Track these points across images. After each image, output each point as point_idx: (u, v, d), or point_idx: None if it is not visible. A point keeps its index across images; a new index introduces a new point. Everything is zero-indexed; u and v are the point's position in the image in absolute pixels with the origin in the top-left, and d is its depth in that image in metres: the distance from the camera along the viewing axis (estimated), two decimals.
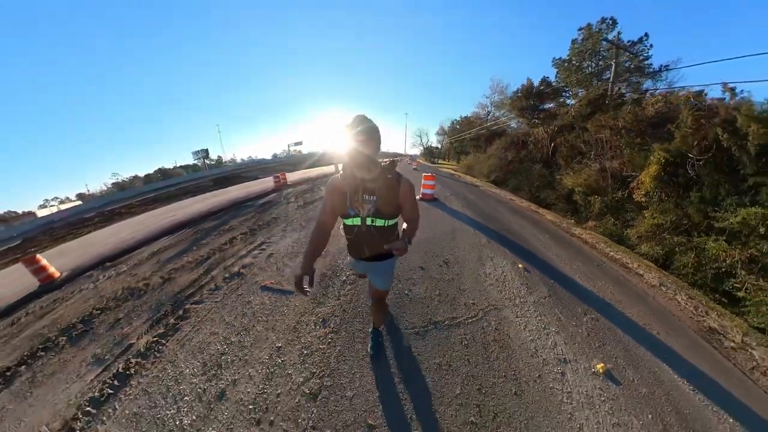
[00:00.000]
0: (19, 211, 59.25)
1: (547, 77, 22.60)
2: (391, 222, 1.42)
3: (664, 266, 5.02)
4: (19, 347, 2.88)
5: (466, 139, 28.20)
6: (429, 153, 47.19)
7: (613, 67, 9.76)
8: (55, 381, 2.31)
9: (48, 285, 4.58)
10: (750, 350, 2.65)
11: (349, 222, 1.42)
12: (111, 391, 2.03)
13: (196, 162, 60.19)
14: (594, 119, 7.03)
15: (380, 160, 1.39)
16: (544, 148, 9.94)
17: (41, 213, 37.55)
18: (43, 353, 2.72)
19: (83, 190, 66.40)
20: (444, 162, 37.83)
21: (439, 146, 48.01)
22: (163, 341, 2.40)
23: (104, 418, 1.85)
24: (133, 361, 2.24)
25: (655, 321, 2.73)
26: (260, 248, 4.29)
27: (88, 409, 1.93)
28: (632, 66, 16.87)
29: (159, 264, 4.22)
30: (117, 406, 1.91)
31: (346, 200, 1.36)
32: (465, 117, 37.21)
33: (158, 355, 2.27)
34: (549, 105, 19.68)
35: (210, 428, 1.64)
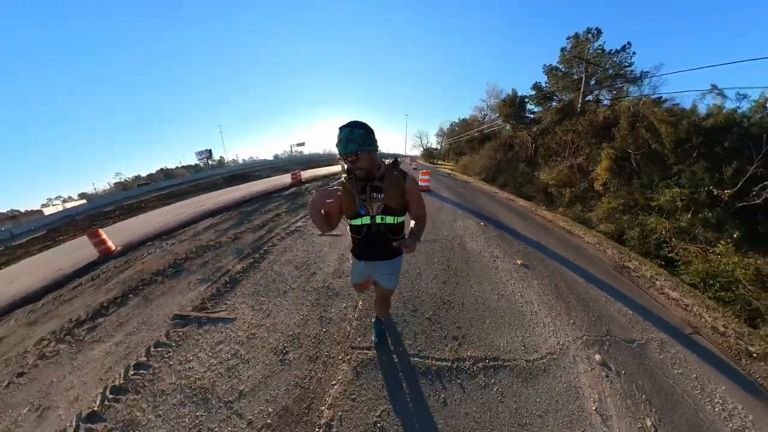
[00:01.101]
0: (22, 210, 60.17)
1: (539, 82, 24.17)
2: (400, 219, 1.45)
3: (619, 241, 6.25)
4: (114, 288, 3.80)
5: (463, 141, 29.61)
6: (429, 154, 48.53)
7: (583, 81, 11.12)
8: (168, 297, 3.37)
9: (106, 256, 5.45)
10: (655, 281, 3.79)
11: (357, 222, 1.43)
12: (226, 289, 3.22)
13: (198, 162, 61.36)
14: (562, 125, 8.40)
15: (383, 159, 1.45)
16: (528, 150, 11.28)
17: (47, 211, 38.70)
18: (143, 287, 3.70)
19: (88, 189, 67.44)
20: (443, 162, 39.10)
21: (439, 147, 49.36)
22: (257, 264, 3.69)
23: (229, 298, 3.04)
24: (237, 275, 3.45)
25: (577, 256, 4.03)
26: (305, 218, 5.65)
27: (212, 297, 3.09)
28: (613, 73, 18.28)
29: (219, 232, 5.47)
30: (237, 292, 3.12)
31: (353, 201, 1.38)
32: (463, 119, 38.67)
33: (256, 270, 3.54)
34: (538, 109, 21.16)
35: (311, 282, 3.06)
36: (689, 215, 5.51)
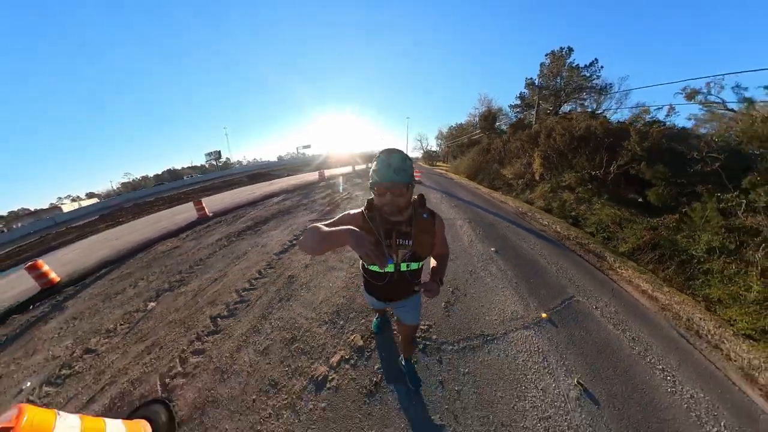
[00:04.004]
0: (31, 208, 63.77)
1: (524, 92, 28.12)
2: (423, 263, 1.39)
3: (549, 211, 9.85)
4: (246, 222, 7.27)
5: (455, 145, 33.59)
6: (428, 156, 52.52)
7: (536, 105, 14.89)
8: (294, 218, 7.04)
9: (205, 218, 8.76)
10: (552, 225, 7.41)
11: (379, 269, 1.33)
12: (330, 212, 7.00)
13: (204, 164, 65.01)
14: (515, 136, 12.20)
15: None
16: (500, 153, 14.99)
17: (66, 208, 42.36)
18: (270, 220, 7.24)
19: (95, 189, 70.82)
20: (441, 164, 42.92)
21: (438, 150, 53.28)
22: (340, 205, 7.51)
23: (336, 210, 6.83)
24: (332, 210, 7.22)
25: (493, 208, 7.77)
26: (350, 195, 9.30)
27: (326, 215, 6.84)
28: (579, 86, 22.17)
29: (294, 201, 9.15)
30: (339, 208, 6.89)
31: (380, 247, 1.25)
32: (459, 124, 42.87)
33: (340, 209, 7.27)
34: (521, 115, 25.15)
35: None
36: (581, 188, 9.17)
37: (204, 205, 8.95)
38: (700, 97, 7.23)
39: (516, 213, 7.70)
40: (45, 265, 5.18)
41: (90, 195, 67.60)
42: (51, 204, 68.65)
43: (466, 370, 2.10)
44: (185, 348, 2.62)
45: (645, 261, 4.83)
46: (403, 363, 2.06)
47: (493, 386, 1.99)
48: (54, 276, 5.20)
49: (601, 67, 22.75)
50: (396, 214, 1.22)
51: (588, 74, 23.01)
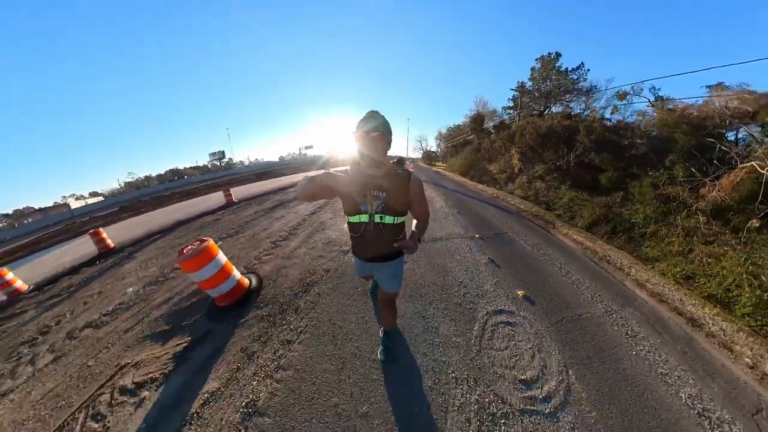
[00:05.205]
0: (36, 207, 65.42)
1: (516, 95, 30.01)
2: (400, 219, 1.48)
3: (526, 199, 11.59)
4: (272, 205, 9.16)
5: (452, 145, 35.56)
6: (428, 156, 54.45)
7: (518, 108, 16.69)
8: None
9: (233, 203, 10.68)
10: (518, 205, 9.22)
11: (355, 219, 1.49)
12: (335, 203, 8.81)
13: (206, 164, 66.82)
14: (498, 136, 14.06)
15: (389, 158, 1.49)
16: (488, 151, 16.78)
17: (73, 205, 44.03)
18: (290, 203, 9.14)
19: (102, 188, 72.41)
20: (440, 164, 44.74)
21: (438, 150, 55.13)
22: None
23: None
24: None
25: (472, 194, 9.51)
26: None
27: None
28: (562, 89, 23.96)
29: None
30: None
31: (355, 196, 1.42)
32: (457, 125, 44.78)
33: None
34: (512, 116, 27.11)
35: None
36: (549, 177, 10.93)
37: (231, 193, 10.88)
38: (629, 97, 8.98)
39: (490, 196, 9.45)
40: (104, 232, 6.91)
41: (93, 194, 69.37)
42: (55, 203, 70.31)
43: (421, 249, 3.88)
44: (257, 255, 4.37)
45: (601, 233, 5.56)
46: (381, 335, 2.19)
47: (435, 253, 3.87)
48: (110, 242, 6.92)
49: (588, 70, 24.47)
50: (372, 163, 1.38)
51: (575, 77, 24.84)
